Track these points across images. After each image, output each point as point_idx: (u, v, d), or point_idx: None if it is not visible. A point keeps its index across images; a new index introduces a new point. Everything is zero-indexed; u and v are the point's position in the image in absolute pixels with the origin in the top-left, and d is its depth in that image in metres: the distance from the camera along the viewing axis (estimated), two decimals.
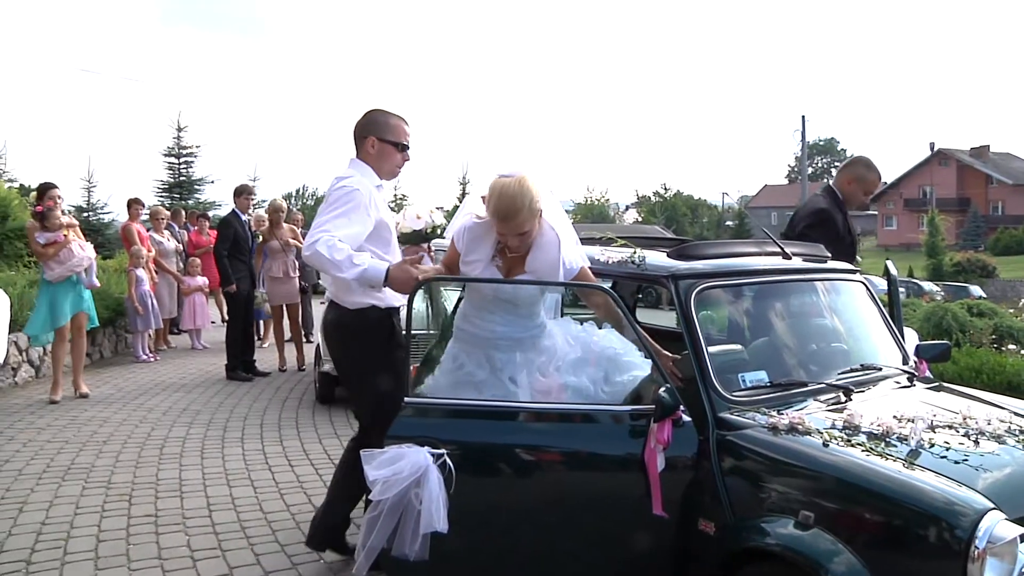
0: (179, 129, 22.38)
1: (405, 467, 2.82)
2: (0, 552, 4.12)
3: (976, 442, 2.82)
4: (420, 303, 4.58)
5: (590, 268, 3.46)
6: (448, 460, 2.89)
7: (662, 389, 2.87)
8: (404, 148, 3.85)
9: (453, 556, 3.00)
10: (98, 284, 7.91)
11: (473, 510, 2.97)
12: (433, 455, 2.87)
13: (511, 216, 3.12)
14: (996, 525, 2.34)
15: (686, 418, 2.95)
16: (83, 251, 7.42)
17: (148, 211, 12.25)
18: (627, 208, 78.68)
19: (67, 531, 4.40)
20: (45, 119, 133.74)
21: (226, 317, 9.75)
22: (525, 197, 3.11)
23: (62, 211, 7.52)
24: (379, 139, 3.78)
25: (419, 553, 2.89)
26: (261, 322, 10.73)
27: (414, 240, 4.08)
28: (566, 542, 3.04)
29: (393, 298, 3.74)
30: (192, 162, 22.71)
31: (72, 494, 5.00)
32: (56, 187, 7.53)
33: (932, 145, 69.45)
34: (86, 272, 7.56)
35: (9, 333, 7.60)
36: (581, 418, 3.15)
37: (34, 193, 7.81)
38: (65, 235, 7.31)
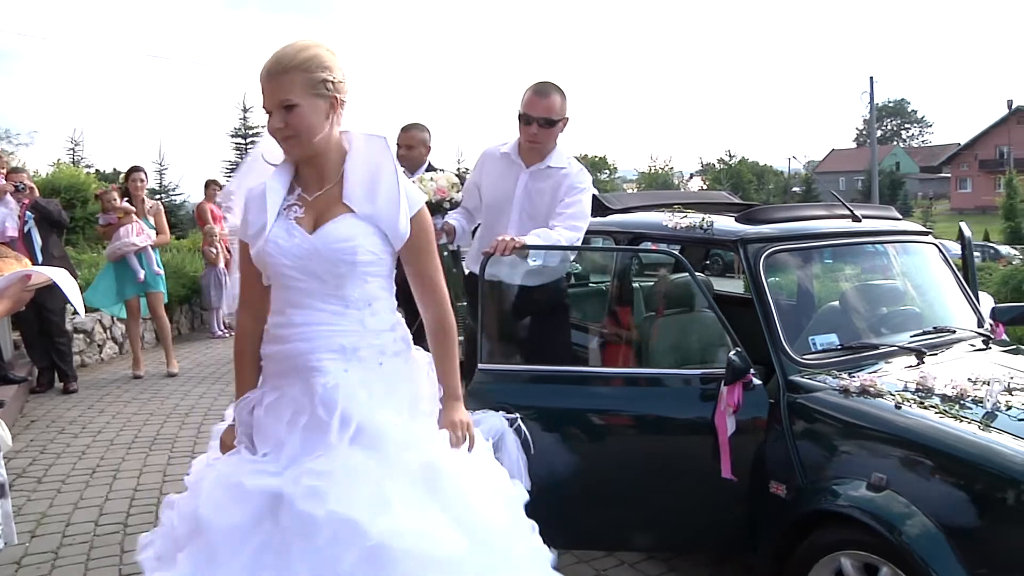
0: (245, 110, 22.79)
1: (483, 431, 2.88)
2: (101, 515, 4.37)
3: None
4: None
5: (658, 234, 3.44)
6: (522, 424, 2.95)
7: (732, 352, 2.89)
8: (528, 121, 3.63)
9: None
10: (141, 274, 7.46)
11: (545, 474, 3.01)
12: (507, 419, 2.93)
13: (281, 69, 2.01)
14: None
15: (756, 381, 2.96)
16: (129, 237, 7.41)
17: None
18: (691, 176, 77.45)
19: (157, 497, 4.59)
20: (117, 105, 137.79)
21: None
22: (315, 51, 2.04)
23: (144, 196, 7.76)
24: (520, 112, 3.68)
25: None
26: None
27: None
28: (638, 505, 3.09)
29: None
30: (258, 142, 23.11)
31: (159, 463, 5.23)
32: (140, 170, 7.82)
33: (1010, 103, 66.64)
34: (141, 261, 7.49)
35: (92, 311, 7.93)
36: (651, 382, 3.19)
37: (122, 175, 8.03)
38: (120, 218, 7.45)
